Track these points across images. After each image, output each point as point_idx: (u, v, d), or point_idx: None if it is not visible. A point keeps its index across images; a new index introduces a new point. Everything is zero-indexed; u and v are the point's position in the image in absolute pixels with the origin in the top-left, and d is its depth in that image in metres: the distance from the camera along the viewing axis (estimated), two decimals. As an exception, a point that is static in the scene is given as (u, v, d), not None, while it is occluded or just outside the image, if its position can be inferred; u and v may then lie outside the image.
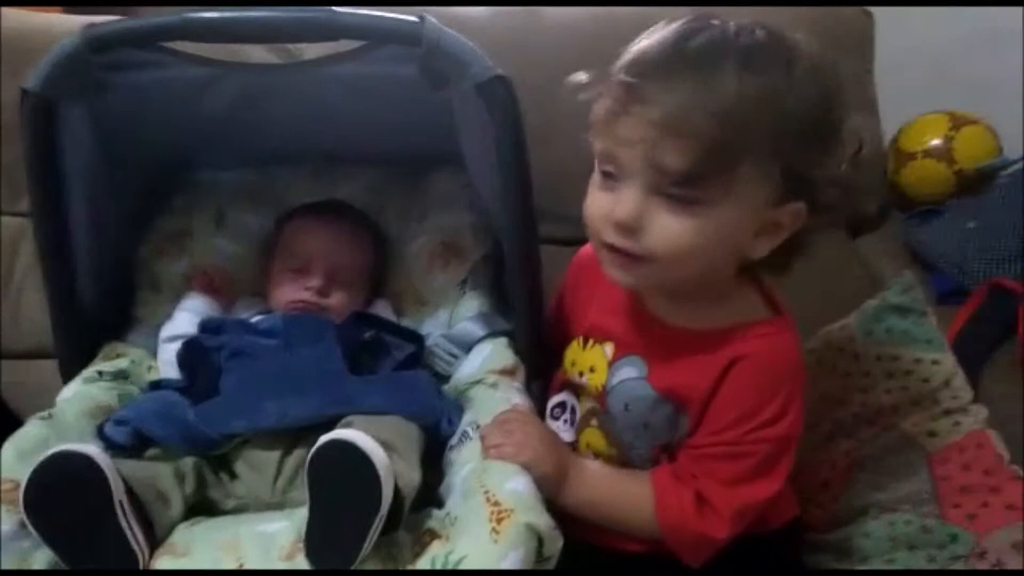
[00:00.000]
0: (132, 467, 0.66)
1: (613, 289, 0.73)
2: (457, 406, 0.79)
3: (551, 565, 0.61)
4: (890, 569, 0.79)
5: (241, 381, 0.77)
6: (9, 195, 1.09)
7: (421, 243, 0.96)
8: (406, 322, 0.92)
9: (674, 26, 0.63)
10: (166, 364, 0.85)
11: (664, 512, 0.69)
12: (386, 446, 0.61)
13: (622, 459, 0.75)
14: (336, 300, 0.89)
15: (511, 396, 0.76)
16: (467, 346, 0.87)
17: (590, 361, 0.76)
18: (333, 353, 0.79)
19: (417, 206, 0.99)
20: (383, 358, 0.83)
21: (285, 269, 0.90)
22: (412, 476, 0.64)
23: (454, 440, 0.75)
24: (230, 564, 0.61)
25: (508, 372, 0.81)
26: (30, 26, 1.07)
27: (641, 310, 0.73)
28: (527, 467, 0.66)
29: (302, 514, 0.61)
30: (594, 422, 0.77)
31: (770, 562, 0.76)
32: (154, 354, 0.88)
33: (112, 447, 0.73)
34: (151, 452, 0.73)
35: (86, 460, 0.60)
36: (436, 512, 0.67)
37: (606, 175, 0.65)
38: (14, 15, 1.09)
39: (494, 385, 0.79)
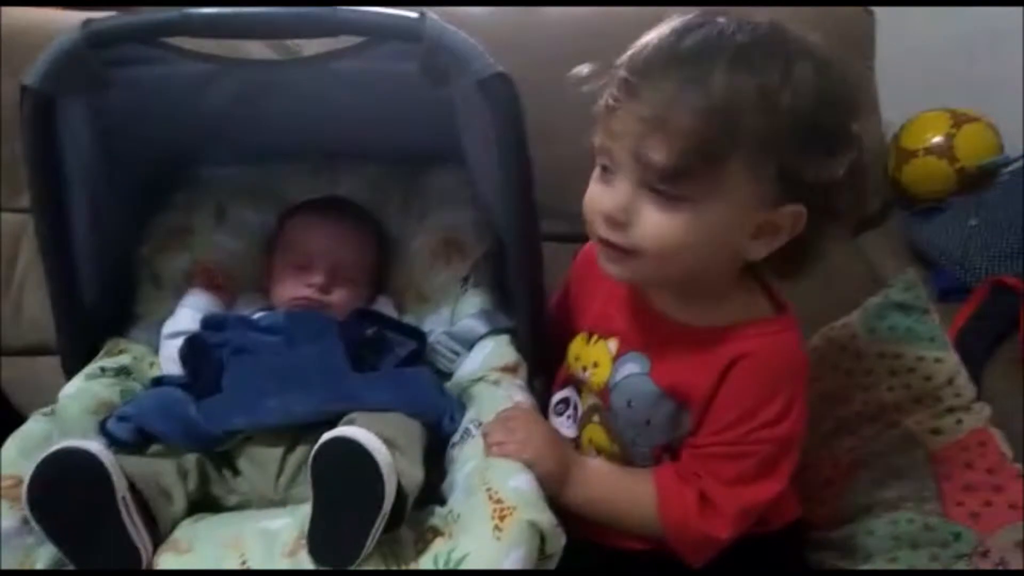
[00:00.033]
0: (135, 463, 0.67)
1: (618, 284, 0.74)
2: (459, 403, 0.79)
3: (554, 563, 0.61)
4: (892, 569, 0.79)
5: (243, 378, 0.77)
6: (10, 191, 1.09)
7: (422, 240, 0.95)
8: (408, 319, 0.92)
9: (676, 23, 0.63)
10: (168, 360, 0.85)
11: (667, 511, 0.69)
12: (389, 443, 0.61)
13: (624, 456, 0.75)
14: (338, 297, 0.89)
15: (513, 393, 0.76)
16: (469, 343, 0.87)
17: (594, 356, 0.76)
18: (335, 350, 0.79)
19: (418, 203, 0.99)
20: (385, 355, 0.83)
21: (287, 266, 0.90)
22: (415, 474, 0.64)
23: (456, 437, 0.75)
24: (233, 561, 0.61)
25: (510, 369, 0.81)
26: (29, 22, 1.07)
27: (645, 306, 0.73)
28: (529, 464, 0.66)
29: (305, 511, 0.61)
30: (596, 418, 0.77)
31: (772, 562, 0.76)
32: (156, 350, 0.88)
33: (115, 443, 0.73)
34: (154, 448, 0.73)
35: (89, 456, 0.60)
36: (439, 510, 0.67)
37: (603, 169, 0.66)
38: (13, 10, 1.09)
39: (496, 382, 0.79)
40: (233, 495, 0.73)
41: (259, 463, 0.73)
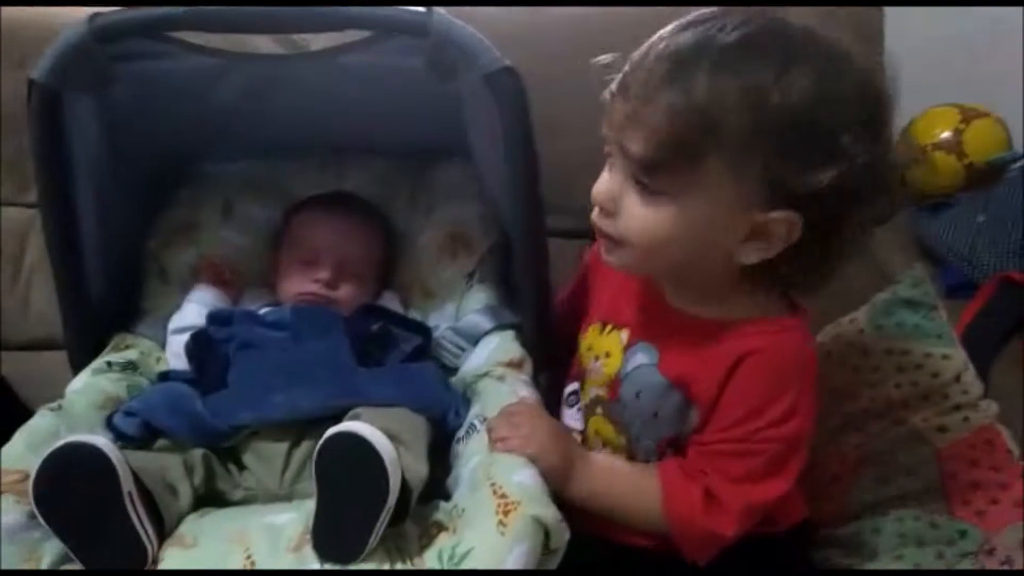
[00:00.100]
0: (141, 458, 0.67)
1: (630, 275, 0.74)
2: (464, 399, 0.79)
3: (558, 557, 0.61)
4: (897, 569, 0.79)
5: (249, 373, 0.78)
6: (17, 186, 1.09)
7: (429, 235, 0.95)
8: (413, 314, 0.92)
9: (682, 20, 0.63)
10: (175, 355, 0.86)
11: (672, 506, 0.69)
12: (393, 438, 0.61)
13: (630, 449, 0.75)
14: (344, 292, 0.89)
15: (518, 388, 0.76)
16: (474, 339, 0.87)
17: (606, 346, 0.76)
18: (341, 345, 0.79)
19: (424, 198, 0.99)
20: (391, 350, 0.83)
21: (293, 261, 0.90)
22: (419, 469, 0.64)
23: (461, 432, 0.75)
24: (238, 555, 0.61)
25: (515, 364, 0.81)
26: (30, 17, 1.07)
27: (656, 297, 0.73)
28: (533, 459, 0.66)
29: (310, 506, 0.61)
30: (599, 410, 0.77)
31: (778, 562, 0.75)
32: (163, 345, 0.88)
33: (121, 438, 0.73)
34: (160, 443, 0.74)
35: (95, 451, 0.60)
36: (443, 504, 0.67)
37: (608, 158, 0.67)
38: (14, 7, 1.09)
39: (501, 378, 0.79)
40: (239, 490, 0.73)
41: (265, 458, 0.73)
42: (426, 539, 0.62)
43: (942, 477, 0.82)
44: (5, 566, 0.60)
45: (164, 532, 0.65)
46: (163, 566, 0.62)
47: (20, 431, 0.70)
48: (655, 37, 0.63)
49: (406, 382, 0.76)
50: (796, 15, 0.64)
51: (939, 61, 1.27)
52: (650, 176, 0.63)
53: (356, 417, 0.65)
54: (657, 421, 0.72)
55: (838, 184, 0.59)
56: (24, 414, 0.74)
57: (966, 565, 0.78)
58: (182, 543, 0.64)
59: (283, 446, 0.73)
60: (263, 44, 0.97)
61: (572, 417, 0.80)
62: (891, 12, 1.18)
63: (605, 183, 0.66)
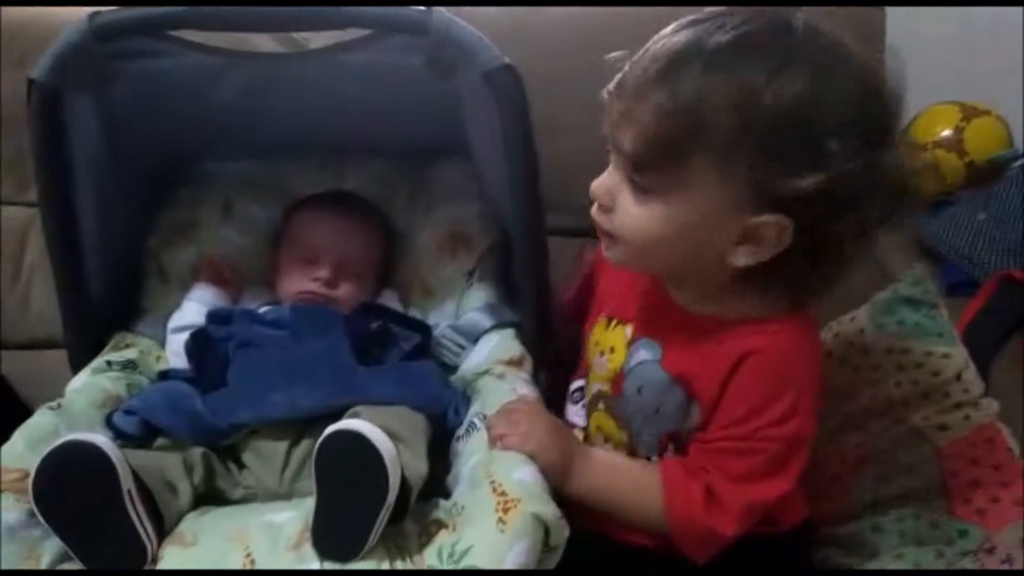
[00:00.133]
0: (141, 457, 0.67)
1: (638, 273, 0.75)
2: (464, 397, 0.79)
3: (558, 555, 0.61)
4: (898, 569, 0.78)
5: (249, 372, 0.78)
6: (17, 185, 1.09)
7: (429, 234, 0.95)
8: (413, 312, 0.92)
9: (684, 19, 0.63)
10: (174, 354, 0.86)
11: (672, 503, 0.68)
12: (393, 436, 0.61)
13: (631, 444, 0.75)
14: (344, 291, 0.89)
15: (518, 386, 0.76)
16: (474, 337, 0.87)
17: (611, 341, 0.76)
18: (341, 344, 0.79)
19: (424, 197, 0.99)
20: (390, 348, 0.83)
21: (293, 260, 0.90)
22: (419, 466, 0.64)
23: (461, 431, 0.75)
24: (238, 554, 0.61)
25: (515, 362, 0.81)
26: (30, 17, 1.07)
27: (660, 294, 0.73)
28: (532, 456, 0.66)
29: (310, 504, 0.61)
30: (601, 405, 0.77)
31: (778, 562, 0.75)
32: (163, 344, 0.88)
33: (121, 437, 0.73)
34: (160, 442, 0.74)
35: (95, 449, 0.60)
36: (443, 502, 0.67)
37: (610, 155, 0.68)
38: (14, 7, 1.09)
39: (501, 376, 0.79)
40: (238, 488, 0.73)
41: (264, 457, 0.73)
42: (426, 537, 0.62)
43: (943, 475, 0.81)
44: (5, 564, 0.60)
45: (164, 530, 0.65)
46: (163, 564, 0.62)
47: (20, 430, 0.70)
48: (656, 36, 0.63)
49: (406, 380, 0.76)
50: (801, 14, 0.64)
51: (940, 59, 1.27)
52: (640, 174, 0.63)
53: (356, 415, 0.65)
54: (659, 417, 0.72)
55: (827, 189, 0.59)
56: (24, 413, 0.74)
57: (966, 564, 0.78)
58: (182, 541, 0.64)
59: (283, 445, 0.73)
60: (263, 42, 0.97)
61: (575, 413, 0.80)
62: (892, 10, 1.18)
63: (603, 179, 0.67)
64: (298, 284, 0.88)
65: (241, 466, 0.74)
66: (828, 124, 0.59)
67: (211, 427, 0.73)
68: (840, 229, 0.61)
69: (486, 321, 0.87)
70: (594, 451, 0.74)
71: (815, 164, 0.59)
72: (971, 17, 1.36)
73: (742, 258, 0.63)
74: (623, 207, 0.65)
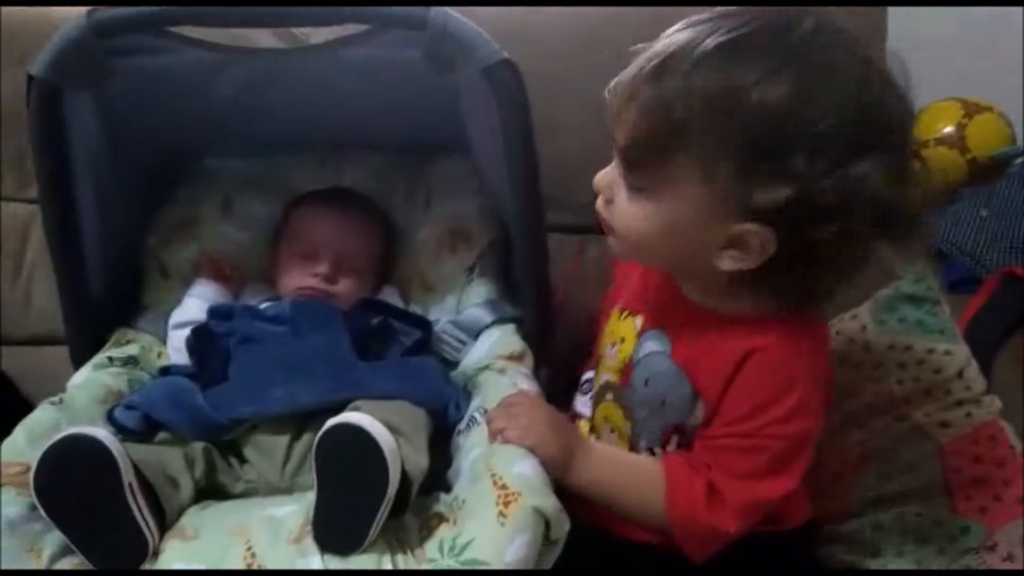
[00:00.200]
0: (142, 451, 0.67)
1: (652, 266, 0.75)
2: (465, 391, 0.79)
3: (558, 549, 0.61)
4: (897, 569, 0.78)
5: (250, 367, 0.78)
6: (19, 182, 1.09)
7: (428, 230, 0.95)
8: (414, 308, 0.92)
9: (686, 20, 0.63)
10: (175, 350, 0.86)
11: (674, 498, 0.68)
12: (393, 430, 0.61)
13: (636, 434, 0.74)
14: (344, 287, 0.89)
15: (519, 381, 0.76)
16: (475, 332, 0.87)
17: (622, 332, 0.76)
18: (341, 339, 0.79)
19: (424, 193, 0.99)
20: (391, 344, 0.83)
21: (292, 256, 0.90)
22: (419, 460, 0.64)
23: (462, 425, 0.75)
24: (239, 547, 0.61)
25: (516, 357, 0.81)
26: (28, 15, 1.07)
27: (672, 288, 0.73)
28: (531, 450, 0.66)
29: (311, 498, 0.61)
30: (609, 396, 0.76)
31: (782, 561, 0.75)
32: (164, 340, 0.89)
33: (122, 432, 0.73)
34: (161, 437, 0.74)
35: (96, 443, 0.60)
36: (444, 496, 0.67)
37: None
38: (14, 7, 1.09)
39: (502, 370, 0.79)
40: (239, 483, 0.73)
41: (265, 451, 0.73)
42: (426, 530, 0.62)
43: (945, 473, 0.81)
44: (6, 558, 0.60)
45: (165, 524, 0.65)
46: (164, 558, 0.62)
47: (21, 424, 0.71)
48: (662, 35, 0.63)
49: (406, 375, 0.76)
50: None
51: (942, 56, 1.27)
52: (631, 172, 0.64)
53: (356, 409, 0.65)
54: (664, 409, 0.71)
55: (802, 200, 0.58)
56: (25, 409, 0.74)
57: (968, 561, 0.78)
58: (183, 535, 0.64)
59: (283, 439, 0.73)
60: (262, 38, 0.97)
61: (583, 404, 0.81)
62: (894, 7, 1.17)
63: (606, 172, 0.67)
64: (298, 280, 0.88)
65: (242, 461, 0.74)
66: (800, 137, 0.57)
67: (212, 422, 0.73)
68: (823, 240, 0.60)
69: (486, 317, 0.87)
70: (595, 445, 0.74)
71: (782, 177, 0.58)
72: (973, 14, 1.36)
73: (728, 263, 0.63)
74: (619, 203, 0.66)
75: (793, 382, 0.66)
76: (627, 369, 0.74)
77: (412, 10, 0.70)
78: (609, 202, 0.67)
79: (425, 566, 0.59)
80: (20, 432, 0.70)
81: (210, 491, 0.72)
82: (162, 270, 0.93)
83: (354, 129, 0.95)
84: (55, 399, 0.75)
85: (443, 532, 0.61)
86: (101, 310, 0.86)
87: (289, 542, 0.61)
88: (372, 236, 0.93)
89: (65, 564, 0.62)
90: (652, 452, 0.74)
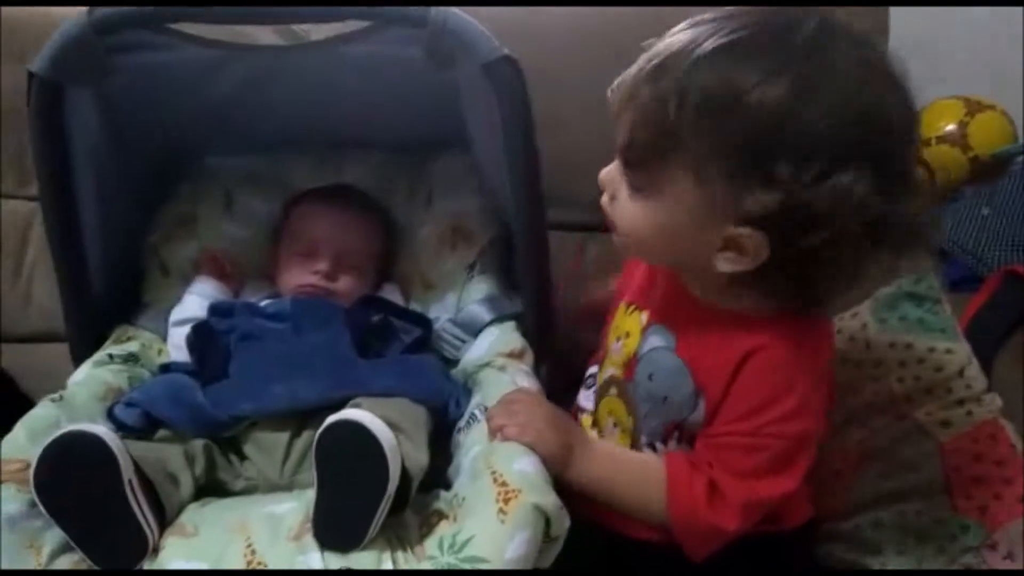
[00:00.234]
0: (142, 448, 0.67)
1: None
2: (465, 389, 0.79)
3: (558, 546, 0.61)
4: (897, 569, 0.78)
5: (250, 364, 0.78)
6: (19, 180, 1.09)
7: (429, 227, 0.95)
8: (414, 306, 0.92)
9: (691, 19, 0.63)
10: (176, 347, 0.86)
11: (675, 496, 0.68)
12: (393, 427, 0.61)
13: (638, 429, 0.74)
14: (344, 284, 0.89)
15: (519, 378, 0.76)
16: (474, 330, 0.87)
17: (628, 326, 0.76)
18: (341, 337, 0.79)
19: (424, 190, 0.99)
20: (391, 342, 0.83)
21: (293, 253, 0.90)
22: (419, 457, 0.64)
23: (462, 423, 0.75)
24: (239, 544, 0.61)
25: (516, 355, 0.81)
26: (30, 13, 1.07)
27: (677, 284, 0.73)
28: (530, 447, 0.66)
29: (311, 495, 0.61)
30: (613, 390, 0.76)
31: (782, 560, 0.75)
32: (164, 337, 0.89)
33: (122, 429, 0.73)
34: (161, 434, 0.74)
35: (95, 439, 0.60)
36: (444, 494, 0.67)
37: None
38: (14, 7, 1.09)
39: (502, 368, 0.79)
40: (239, 480, 0.73)
41: (265, 448, 0.73)
42: (426, 528, 0.62)
43: (945, 472, 0.81)
44: (6, 555, 0.60)
45: (165, 521, 0.65)
46: (164, 555, 0.62)
47: (21, 421, 0.70)
48: (667, 34, 0.63)
49: (406, 373, 0.76)
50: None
51: (944, 53, 1.27)
52: (630, 171, 0.64)
53: (356, 406, 0.64)
54: (666, 405, 0.71)
55: (791, 209, 0.57)
56: (26, 406, 0.74)
57: (968, 560, 0.78)
58: (183, 532, 0.64)
59: (284, 436, 0.73)
60: (263, 35, 0.97)
61: (586, 398, 0.80)
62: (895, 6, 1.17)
63: (611, 168, 0.67)
64: (298, 277, 0.88)
65: (242, 458, 0.74)
66: (797, 143, 0.56)
67: (212, 419, 0.73)
68: (815, 247, 0.59)
69: (487, 315, 0.87)
70: (596, 442, 0.74)
71: (779, 182, 0.57)
72: (975, 12, 1.36)
73: (725, 265, 0.63)
74: (621, 200, 0.66)
75: (794, 382, 0.66)
76: (631, 363, 0.74)
77: (412, 7, 0.70)
78: (613, 198, 0.67)
79: (425, 563, 0.59)
80: (20, 429, 0.70)
81: (210, 488, 0.72)
82: (162, 267, 0.93)
83: (355, 126, 0.95)
84: (55, 396, 0.75)
85: (443, 529, 0.61)
86: (101, 307, 0.86)
87: (289, 539, 0.61)
88: (372, 233, 0.93)
89: (65, 561, 0.62)
90: (653, 448, 0.73)
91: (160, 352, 0.88)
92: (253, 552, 0.60)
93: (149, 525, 0.62)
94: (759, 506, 0.67)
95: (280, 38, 1.00)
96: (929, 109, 1.27)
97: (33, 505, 0.61)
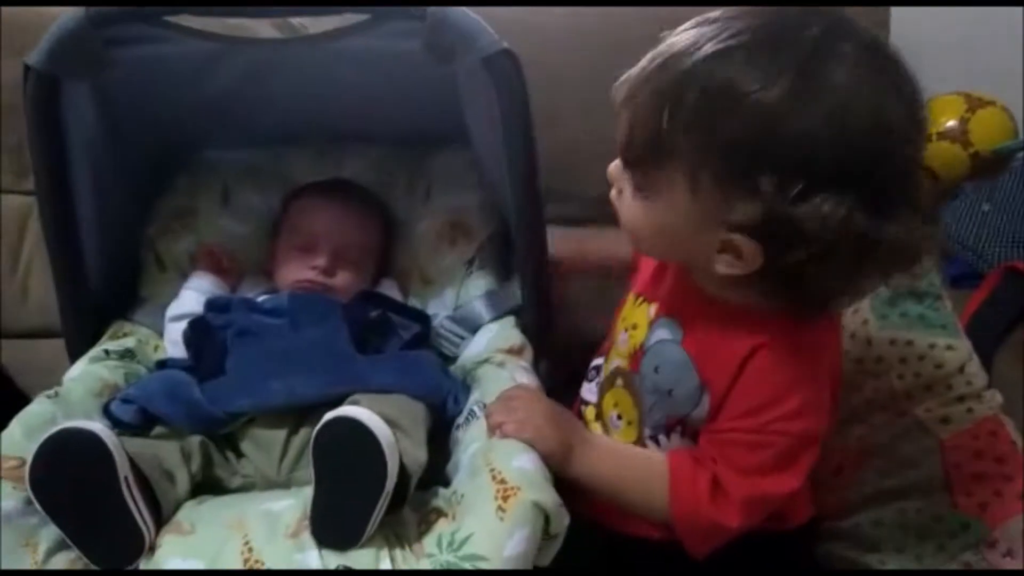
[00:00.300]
0: (138, 445, 0.66)
1: None
2: (464, 385, 0.79)
3: (558, 543, 0.61)
4: (898, 569, 0.78)
5: (247, 360, 0.77)
6: (17, 174, 1.09)
7: (428, 223, 0.95)
8: (412, 302, 0.92)
9: (697, 18, 0.62)
10: (172, 343, 0.86)
11: (678, 492, 0.68)
12: (391, 423, 0.61)
13: (642, 421, 0.74)
14: (342, 279, 0.88)
15: (518, 375, 0.76)
16: (473, 327, 0.87)
17: (635, 318, 0.75)
18: (339, 332, 0.79)
19: (424, 185, 0.98)
20: (390, 338, 0.83)
21: (291, 248, 0.89)
22: (417, 454, 0.64)
23: (461, 419, 0.75)
24: (236, 542, 0.61)
25: (515, 351, 0.81)
26: (31, 8, 1.07)
27: (686, 277, 0.72)
28: (529, 444, 0.66)
29: (308, 493, 0.61)
30: (619, 382, 0.76)
31: (783, 559, 0.75)
32: (160, 333, 0.88)
33: (118, 425, 0.73)
34: (157, 431, 0.73)
35: (91, 436, 0.60)
36: (442, 491, 0.67)
37: None
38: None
39: (501, 364, 0.79)
40: (236, 477, 0.73)
41: (263, 445, 0.73)
42: (425, 525, 0.62)
43: (945, 468, 0.81)
44: (2, 552, 0.60)
45: (161, 519, 0.64)
46: (160, 553, 0.61)
47: (17, 418, 0.70)
48: (672, 33, 0.63)
49: (405, 369, 0.76)
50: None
51: (944, 49, 1.26)
52: (630, 170, 0.64)
53: (354, 403, 0.64)
54: (671, 399, 0.71)
55: (775, 222, 0.57)
56: (22, 402, 0.73)
57: (968, 558, 0.78)
58: (179, 530, 0.63)
59: (281, 433, 0.73)
60: (261, 28, 0.97)
61: (589, 391, 0.80)
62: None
63: (617, 163, 0.67)
64: (296, 272, 0.88)
65: (239, 455, 0.74)
66: (782, 157, 0.56)
67: (209, 415, 0.73)
68: (804, 261, 0.58)
69: (485, 311, 0.87)
70: (597, 438, 0.74)
71: (761, 194, 0.57)
72: (976, 9, 1.35)
73: (723, 267, 0.63)
74: (624, 197, 0.67)
75: (800, 379, 0.66)
76: (637, 355, 0.74)
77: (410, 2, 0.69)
78: (621, 193, 0.67)
79: (424, 561, 0.59)
80: (16, 425, 0.69)
81: (207, 485, 0.71)
82: (159, 262, 0.93)
83: (354, 120, 0.94)
84: (51, 392, 0.75)
85: (442, 527, 0.61)
86: (98, 303, 0.85)
87: (286, 536, 0.61)
88: (371, 228, 0.93)
89: (61, 558, 0.61)
90: (656, 440, 0.73)
91: (156, 348, 0.87)
92: (250, 550, 0.60)
93: (145, 522, 0.62)
94: (762, 503, 0.67)
95: (278, 32, 1.00)
96: (930, 105, 1.27)
97: (29, 502, 0.61)
